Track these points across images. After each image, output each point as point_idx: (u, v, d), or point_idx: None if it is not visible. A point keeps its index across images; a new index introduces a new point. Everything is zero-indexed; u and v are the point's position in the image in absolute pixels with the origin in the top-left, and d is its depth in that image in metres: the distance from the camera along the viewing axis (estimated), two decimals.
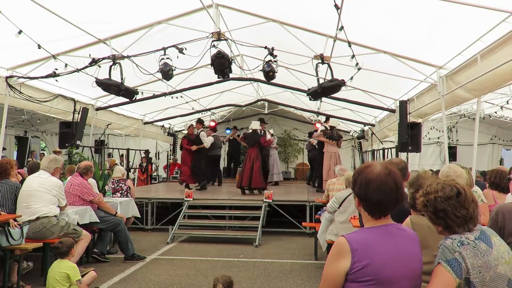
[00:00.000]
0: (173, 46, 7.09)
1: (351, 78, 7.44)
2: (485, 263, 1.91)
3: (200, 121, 11.65)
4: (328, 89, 7.50)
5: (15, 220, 4.98)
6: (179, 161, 16.70)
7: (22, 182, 5.85)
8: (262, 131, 11.51)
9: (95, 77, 7.42)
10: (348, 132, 17.28)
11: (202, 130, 11.62)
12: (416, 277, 1.91)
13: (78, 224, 5.77)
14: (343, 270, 1.82)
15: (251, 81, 11.06)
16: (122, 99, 8.97)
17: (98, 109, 10.64)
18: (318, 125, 12.47)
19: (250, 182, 10.36)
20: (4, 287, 4.74)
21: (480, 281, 1.90)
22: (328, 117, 12.27)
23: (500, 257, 1.96)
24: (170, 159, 16.73)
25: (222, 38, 6.99)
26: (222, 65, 7.15)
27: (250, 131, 11.12)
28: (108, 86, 7.53)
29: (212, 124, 15.80)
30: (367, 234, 1.90)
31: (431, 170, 8.50)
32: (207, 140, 11.35)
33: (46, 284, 4.37)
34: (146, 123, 13.89)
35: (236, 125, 16.71)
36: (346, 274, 1.82)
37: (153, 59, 7.35)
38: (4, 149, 13.56)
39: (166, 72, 7.37)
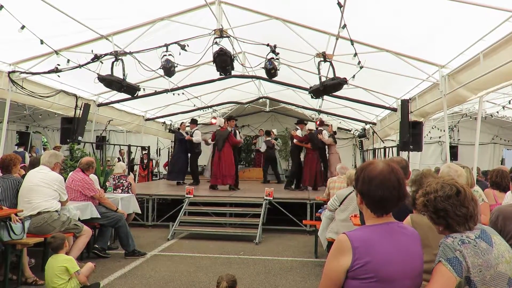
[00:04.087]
0: (175, 42, 7.08)
1: (353, 77, 7.43)
2: (485, 261, 1.92)
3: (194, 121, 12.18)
4: (330, 87, 7.49)
5: (16, 215, 5.00)
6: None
7: (23, 177, 5.86)
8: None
9: (97, 73, 7.42)
10: (350, 131, 17.27)
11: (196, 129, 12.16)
12: (417, 275, 1.91)
13: (79, 219, 5.79)
14: (344, 267, 1.83)
15: (253, 79, 11.07)
16: (124, 95, 8.98)
17: (99, 105, 10.64)
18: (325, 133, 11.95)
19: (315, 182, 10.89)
20: (5, 281, 4.77)
21: (481, 280, 1.90)
22: (322, 122, 12.59)
23: (500, 256, 1.96)
24: (171, 155, 16.73)
25: (225, 35, 6.98)
26: (224, 62, 7.14)
27: (307, 131, 11.08)
28: (110, 82, 7.52)
29: (214, 121, 15.83)
30: (368, 232, 1.91)
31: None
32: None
33: (45, 280, 4.38)
34: (147, 119, 13.90)
35: (237, 123, 16.68)
36: (347, 271, 1.83)
37: (155, 55, 7.35)
38: (23, 144, 13.93)
39: (168, 69, 7.38)
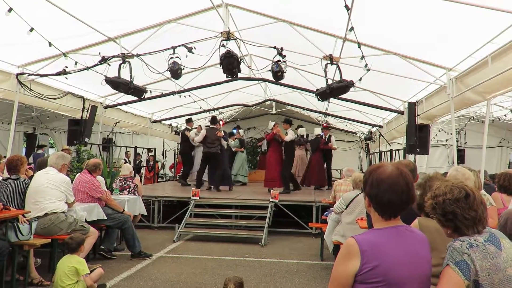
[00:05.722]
0: (183, 45, 7.11)
1: (360, 79, 7.42)
2: (494, 265, 1.90)
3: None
4: (336, 90, 7.48)
5: (24, 216, 5.04)
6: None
7: (31, 178, 5.90)
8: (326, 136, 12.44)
9: (105, 75, 7.47)
10: (356, 133, 17.23)
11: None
12: (425, 279, 1.90)
13: (86, 220, 5.81)
14: (352, 271, 1.82)
15: (259, 81, 11.07)
16: (131, 97, 9.02)
17: (106, 107, 10.70)
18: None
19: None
20: (12, 281, 4.79)
21: (489, 283, 1.89)
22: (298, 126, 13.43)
23: (509, 260, 1.95)
24: (177, 157, 16.78)
25: (231, 38, 7.00)
26: (231, 64, 7.16)
27: (314, 137, 12.50)
28: (117, 84, 7.57)
29: (220, 123, 15.81)
30: (376, 235, 1.90)
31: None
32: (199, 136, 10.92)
33: (55, 278, 4.41)
34: (154, 121, 13.95)
35: (240, 125, 16.66)
36: (355, 275, 1.82)
37: (162, 58, 7.39)
38: (44, 146, 14.38)
39: (175, 71, 7.41)
